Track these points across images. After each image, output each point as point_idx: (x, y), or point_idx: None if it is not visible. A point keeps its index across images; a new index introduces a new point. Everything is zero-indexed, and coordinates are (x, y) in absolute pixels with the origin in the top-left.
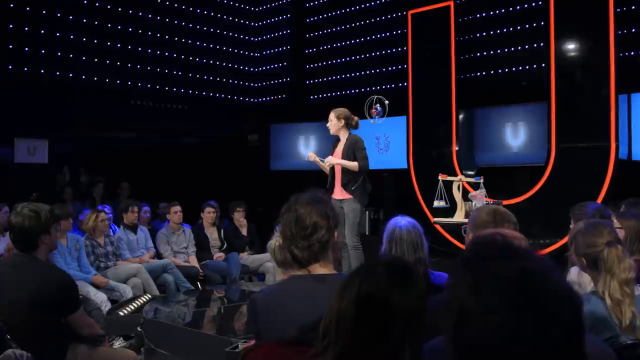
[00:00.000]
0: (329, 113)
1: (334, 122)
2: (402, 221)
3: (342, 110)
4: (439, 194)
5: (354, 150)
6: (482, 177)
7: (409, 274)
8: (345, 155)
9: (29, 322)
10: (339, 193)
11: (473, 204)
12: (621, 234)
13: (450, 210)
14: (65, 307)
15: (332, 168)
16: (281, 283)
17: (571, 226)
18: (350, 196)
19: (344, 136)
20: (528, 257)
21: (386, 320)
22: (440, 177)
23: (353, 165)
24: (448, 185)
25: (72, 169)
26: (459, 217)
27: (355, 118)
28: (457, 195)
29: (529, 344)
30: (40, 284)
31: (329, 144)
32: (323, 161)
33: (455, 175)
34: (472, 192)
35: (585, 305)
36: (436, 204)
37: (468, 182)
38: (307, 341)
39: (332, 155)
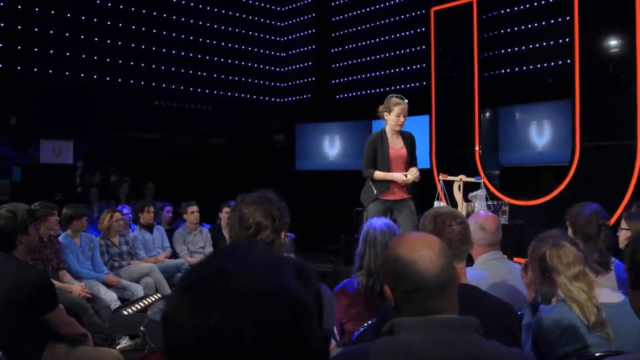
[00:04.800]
0: (357, 111)
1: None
2: (377, 222)
3: None
4: (439, 194)
5: (413, 149)
6: (483, 177)
7: None
8: (410, 154)
9: (3, 321)
10: (399, 193)
11: (474, 204)
12: (627, 235)
13: None
14: (42, 306)
15: (388, 168)
16: None
17: (569, 231)
18: (410, 195)
19: (398, 132)
20: (237, 255)
21: None
22: (440, 177)
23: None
24: (449, 185)
25: (99, 170)
26: None
27: None
28: (458, 195)
29: (221, 344)
30: (15, 282)
31: (354, 143)
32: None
33: (477, 175)
34: (472, 193)
35: (551, 315)
36: (436, 204)
37: (469, 182)
38: None
39: (389, 152)
